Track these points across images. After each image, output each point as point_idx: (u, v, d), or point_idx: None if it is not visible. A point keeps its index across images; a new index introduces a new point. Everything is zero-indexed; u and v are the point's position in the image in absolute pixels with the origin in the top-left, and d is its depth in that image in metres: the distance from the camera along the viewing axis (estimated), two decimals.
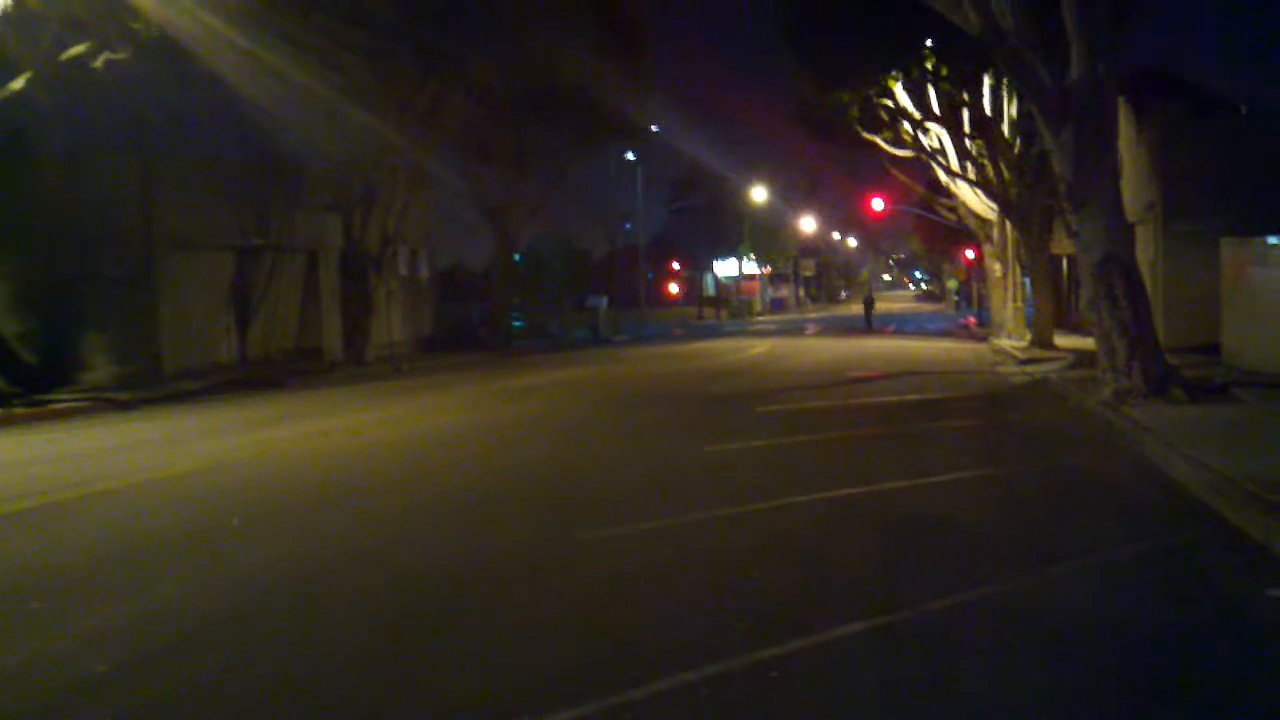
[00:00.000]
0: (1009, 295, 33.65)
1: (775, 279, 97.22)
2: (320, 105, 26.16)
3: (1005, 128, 28.67)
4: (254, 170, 27.30)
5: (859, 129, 31.95)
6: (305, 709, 4.99)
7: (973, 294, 55.71)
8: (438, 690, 5.10)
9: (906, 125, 31.57)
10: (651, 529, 8.21)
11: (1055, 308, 31.63)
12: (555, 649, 5.59)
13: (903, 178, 41.15)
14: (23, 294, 22.99)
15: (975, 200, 34.07)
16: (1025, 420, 14.59)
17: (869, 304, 51.80)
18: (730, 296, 79.39)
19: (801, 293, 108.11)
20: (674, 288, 79.46)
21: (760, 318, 73.44)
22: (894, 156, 34.57)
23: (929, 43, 25.76)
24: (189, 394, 21.31)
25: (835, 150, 41.93)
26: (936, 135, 31.87)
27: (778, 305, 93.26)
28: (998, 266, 35.86)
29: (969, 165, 31.21)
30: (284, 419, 17.14)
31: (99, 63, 19.10)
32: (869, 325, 46.96)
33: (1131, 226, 18.52)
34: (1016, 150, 28.62)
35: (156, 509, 9.79)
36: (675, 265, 79.33)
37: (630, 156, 57.94)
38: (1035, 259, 29.75)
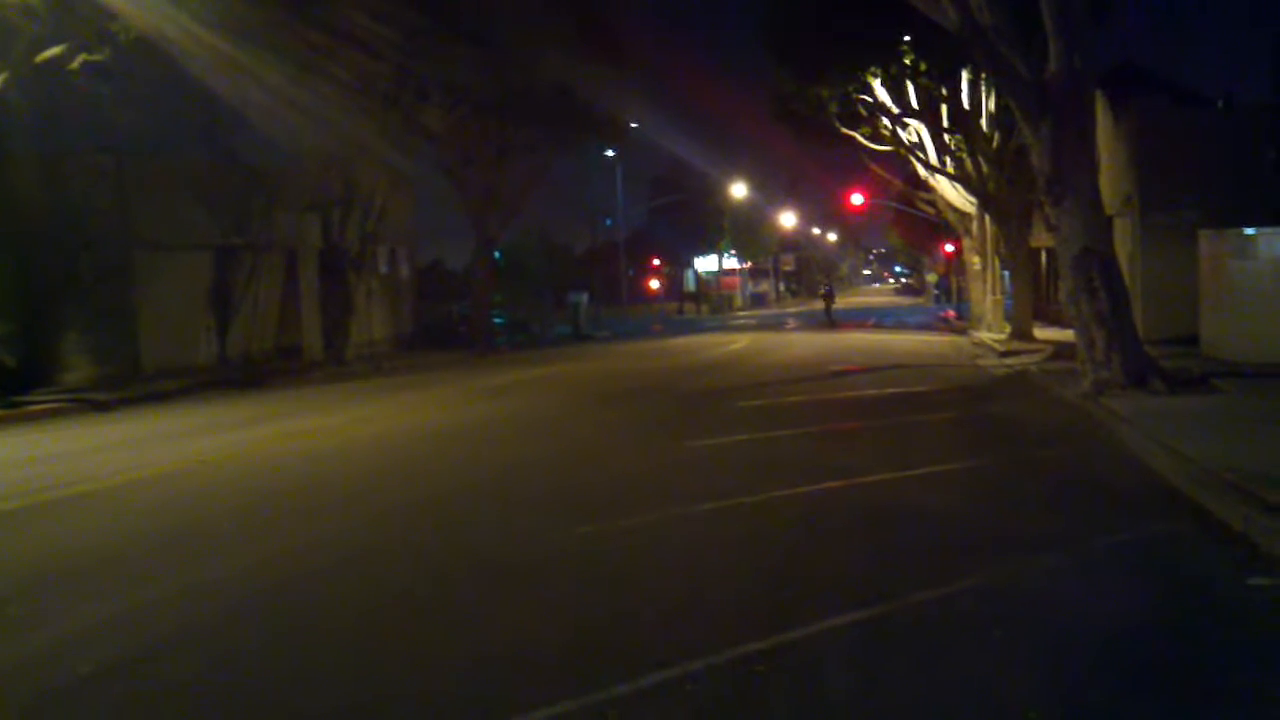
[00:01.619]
0: (988, 288, 33.78)
1: (755, 274, 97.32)
2: (298, 105, 26.06)
3: (984, 122, 28.77)
4: (232, 170, 27.17)
5: (838, 124, 32.04)
6: (290, 710, 4.98)
7: (952, 287, 55.77)
8: (426, 687, 5.11)
9: (885, 120, 31.67)
10: (634, 525, 8.21)
11: (1034, 300, 31.76)
12: (541, 646, 5.59)
13: (882, 173, 41.28)
14: (0, 296, 22.84)
15: (954, 194, 34.19)
16: (1005, 412, 14.64)
17: (829, 297, 50.54)
18: (710, 292, 79.45)
19: (782, 288, 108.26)
20: (654, 283, 79.37)
21: (740, 313, 73.47)
22: (873, 151, 34.69)
23: (907, 38, 25.85)
24: (168, 394, 21.20)
25: (814, 146, 41.90)
26: (915, 130, 31.98)
27: (758, 300, 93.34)
28: (977, 260, 35.99)
29: (948, 160, 31.33)
30: (263, 419, 17.07)
31: (75, 64, 18.99)
32: (829, 319, 46.24)
33: (1110, 219, 18.62)
34: (995, 144, 28.74)
35: (135, 511, 9.75)
36: (656, 261, 79.26)
37: (610, 153, 57.90)
38: (1014, 252, 29.87)
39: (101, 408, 19.24)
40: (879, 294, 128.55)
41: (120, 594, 6.90)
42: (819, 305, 49.44)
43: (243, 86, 24.07)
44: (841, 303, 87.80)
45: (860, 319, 50.94)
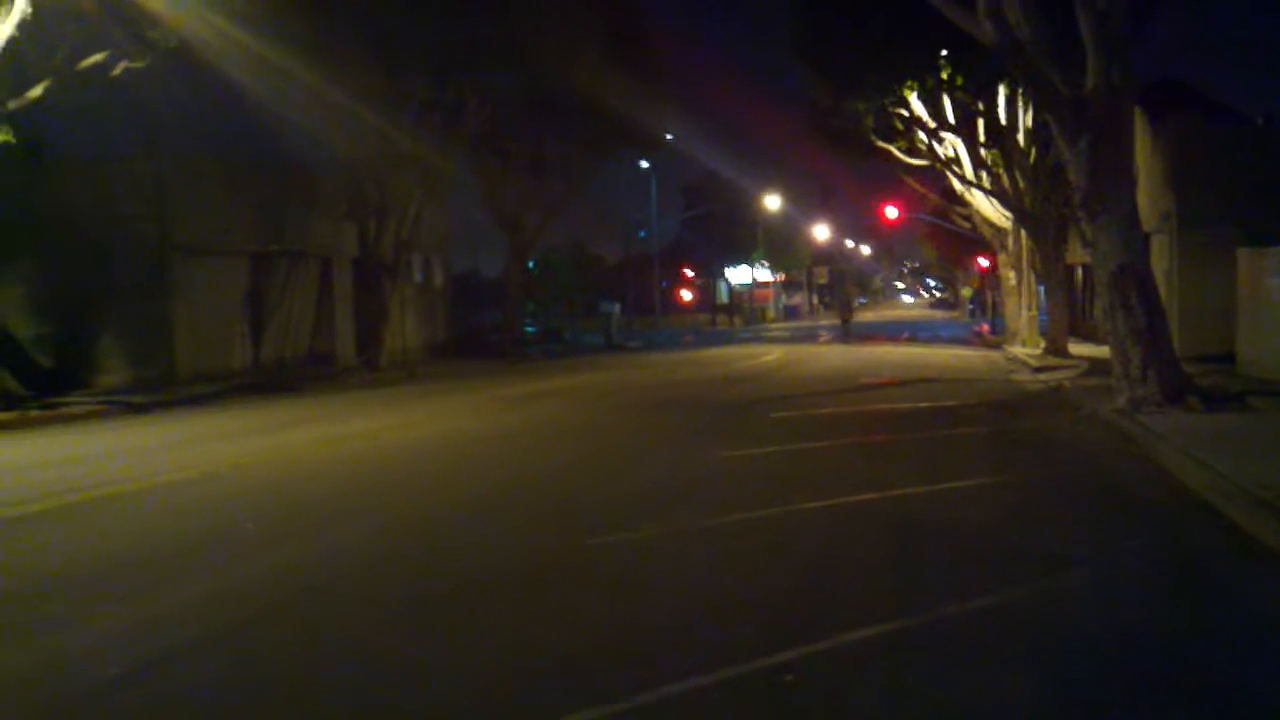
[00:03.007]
0: (1023, 303, 33.60)
1: (789, 286, 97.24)
2: (336, 113, 26.29)
3: (1020, 137, 28.66)
4: (269, 176, 27.45)
5: (873, 138, 31.98)
6: (315, 713, 5.00)
7: (987, 302, 55.59)
8: (448, 695, 5.11)
9: (921, 134, 31.56)
10: (664, 534, 8.21)
11: (1069, 316, 31.56)
12: (567, 654, 5.59)
13: (917, 186, 41.13)
14: (38, 298, 23.17)
15: (990, 209, 34.05)
16: (1039, 428, 14.53)
17: (846, 310, 49.67)
18: (743, 304, 79.40)
19: (815, 300, 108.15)
20: (687, 295, 79.43)
21: (773, 325, 73.39)
22: (908, 165, 34.57)
23: (944, 53, 25.77)
24: (203, 398, 21.38)
25: (849, 158, 41.78)
26: (951, 144, 31.86)
27: (791, 312, 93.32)
28: (1012, 275, 35.82)
29: (984, 174, 31.19)
30: (298, 423, 17.20)
31: (117, 71, 19.22)
32: (846, 333, 45.73)
33: (1147, 236, 18.49)
34: (1032, 159, 28.62)
35: (172, 512, 9.83)
36: (688, 272, 79.34)
37: (644, 164, 58.03)
38: (1050, 267, 29.72)
39: (138, 410, 19.43)
40: (913, 308, 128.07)
41: (153, 594, 6.95)
42: (850, 319, 48.96)
43: (281, 93, 24.31)
44: (874, 316, 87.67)
45: (893, 333, 50.74)
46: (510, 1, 28.30)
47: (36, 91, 18.62)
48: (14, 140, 18.00)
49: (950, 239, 56.74)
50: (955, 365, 27.39)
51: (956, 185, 35.16)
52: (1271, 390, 15.82)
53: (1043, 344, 29.54)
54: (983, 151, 30.72)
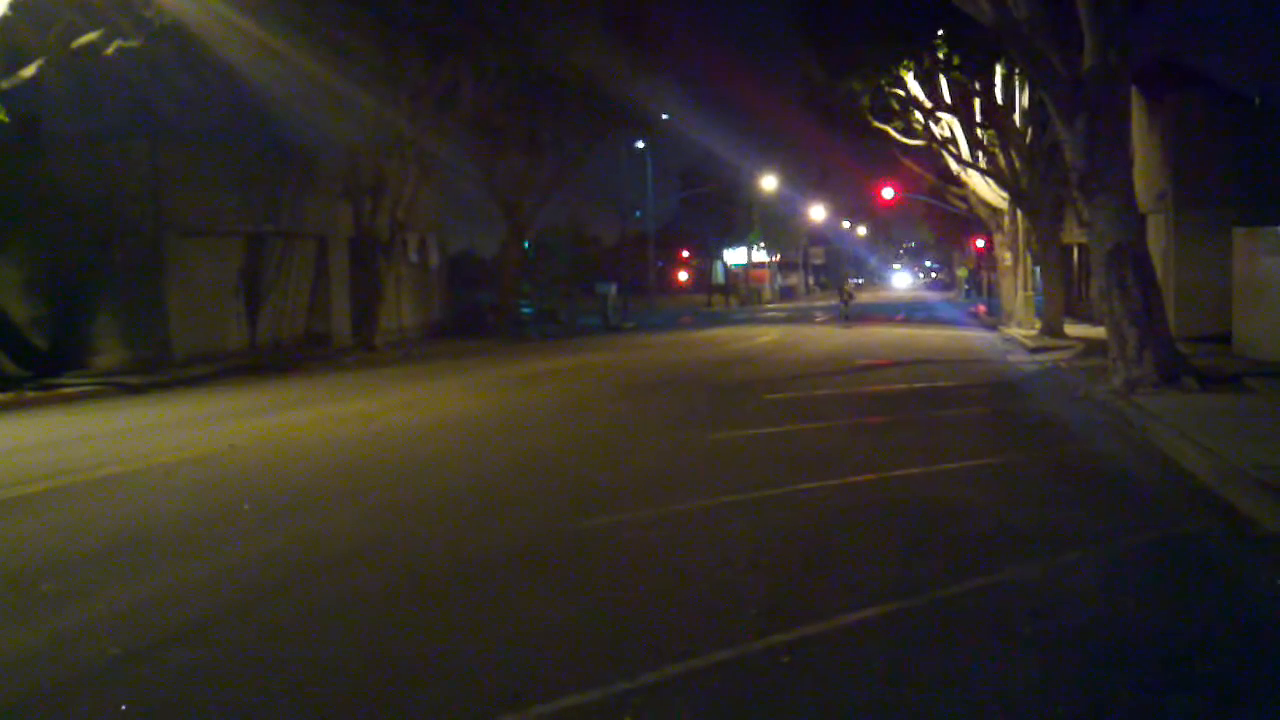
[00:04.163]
0: (1019, 284, 33.59)
1: (785, 267, 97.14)
2: (331, 92, 26.20)
3: (1017, 117, 28.63)
4: (264, 156, 27.36)
5: (870, 118, 31.96)
6: (313, 695, 5.00)
7: (983, 282, 55.50)
8: (448, 673, 5.12)
9: (917, 114, 31.54)
10: (659, 515, 8.21)
11: (1065, 296, 31.56)
12: (566, 634, 5.60)
13: (913, 166, 41.08)
14: (33, 279, 23.09)
15: (986, 189, 34.03)
16: (1035, 409, 14.56)
17: (846, 296, 48.81)
18: (739, 284, 79.29)
19: (811, 281, 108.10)
20: (683, 275, 79.46)
21: (769, 306, 73.24)
22: (905, 145, 34.59)
23: (940, 32, 25.72)
24: (199, 379, 21.35)
25: (846, 139, 41.81)
26: (947, 124, 31.83)
27: (787, 293, 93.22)
28: (1008, 255, 35.80)
29: (980, 154, 31.18)
30: (294, 404, 17.17)
31: (110, 50, 19.12)
32: (845, 316, 45.12)
33: (1143, 216, 18.48)
34: (1028, 139, 28.60)
35: (169, 493, 9.82)
36: (685, 253, 79.30)
37: (640, 144, 57.87)
38: (1046, 248, 29.71)
39: (134, 391, 19.39)
40: (909, 289, 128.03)
41: (150, 576, 6.95)
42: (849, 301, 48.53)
43: (276, 72, 24.21)
44: (870, 297, 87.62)
45: (889, 314, 50.72)
46: None
47: (29, 70, 18.52)
48: (7, 119, 17.90)
49: (946, 219, 56.76)
50: (951, 346, 27.39)
51: (953, 165, 35.14)
52: (1267, 371, 15.85)
53: (1038, 324, 29.56)
54: (979, 131, 30.69)
